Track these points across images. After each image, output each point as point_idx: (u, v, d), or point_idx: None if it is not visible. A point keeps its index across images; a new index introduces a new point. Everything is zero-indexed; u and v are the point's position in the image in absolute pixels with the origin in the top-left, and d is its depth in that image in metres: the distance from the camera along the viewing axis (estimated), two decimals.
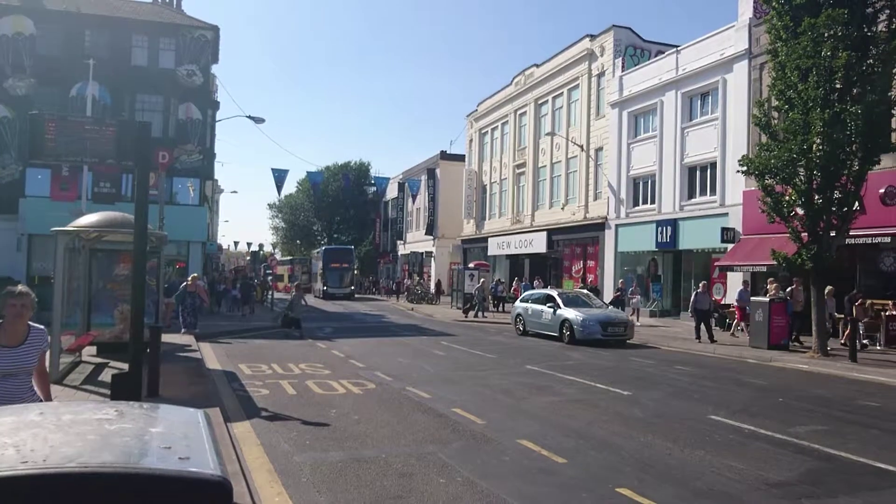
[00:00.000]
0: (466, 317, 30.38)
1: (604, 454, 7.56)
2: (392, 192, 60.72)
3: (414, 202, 55.54)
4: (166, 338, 16.64)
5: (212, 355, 15.99)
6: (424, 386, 11.88)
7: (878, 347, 18.01)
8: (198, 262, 32.12)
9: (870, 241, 19.42)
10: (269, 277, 43.87)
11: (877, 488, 6.46)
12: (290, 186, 79.24)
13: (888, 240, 19.03)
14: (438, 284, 49.15)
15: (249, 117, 29.24)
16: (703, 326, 19.65)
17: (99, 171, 29.13)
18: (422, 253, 57.90)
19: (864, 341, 18.01)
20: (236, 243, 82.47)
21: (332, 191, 68.58)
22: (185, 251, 31.76)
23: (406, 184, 54.68)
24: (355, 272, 57.91)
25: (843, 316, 18.40)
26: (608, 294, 29.81)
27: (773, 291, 18.72)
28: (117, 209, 16.50)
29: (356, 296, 52.35)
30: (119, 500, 2.28)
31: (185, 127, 32.81)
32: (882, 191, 18.76)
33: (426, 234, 54.69)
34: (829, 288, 17.43)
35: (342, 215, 71.95)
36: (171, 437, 2.76)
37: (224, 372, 13.38)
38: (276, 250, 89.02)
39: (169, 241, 19.61)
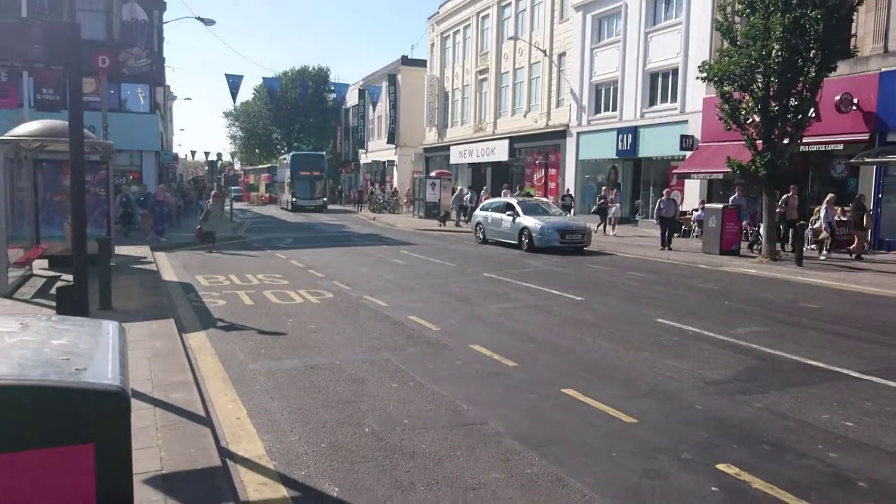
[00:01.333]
0: (443, 226, 30.20)
1: (553, 357, 7.81)
2: (353, 98, 59.29)
3: (375, 110, 54.35)
4: (121, 250, 16.47)
5: (168, 267, 15.86)
6: (382, 294, 12.00)
7: (825, 252, 18.59)
8: (152, 173, 31.30)
9: (823, 149, 19.75)
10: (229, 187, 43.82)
11: (805, 384, 6.81)
12: (246, 93, 76.88)
13: (841, 147, 19.36)
14: (395, 193, 48.27)
15: (199, 19, 27.91)
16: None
17: (41, 77, 27.70)
18: (384, 162, 57.26)
19: (812, 247, 18.59)
20: (193, 153, 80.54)
21: (291, 98, 66.53)
22: (139, 161, 30.86)
23: (367, 91, 53.32)
24: (328, 181, 54.80)
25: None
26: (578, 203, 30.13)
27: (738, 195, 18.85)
28: (63, 117, 15.85)
29: (329, 207, 48.66)
30: (10, 412, 2.27)
31: (130, 29, 31.14)
32: (837, 98, 18.90)
33: (388, 142, 53.92)
34: (830, 196, 18.16)
35: (302, 123, 70.18)
36: (73, 349, 2.74)
37: (181, 283, 13.30)
38: (235, 160, 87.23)
39: (119, 151, 19.08)
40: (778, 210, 17.82)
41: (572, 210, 26.84)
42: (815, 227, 18.73)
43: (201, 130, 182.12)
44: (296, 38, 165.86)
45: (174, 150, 64.07)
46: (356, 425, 5.55)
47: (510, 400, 6.29)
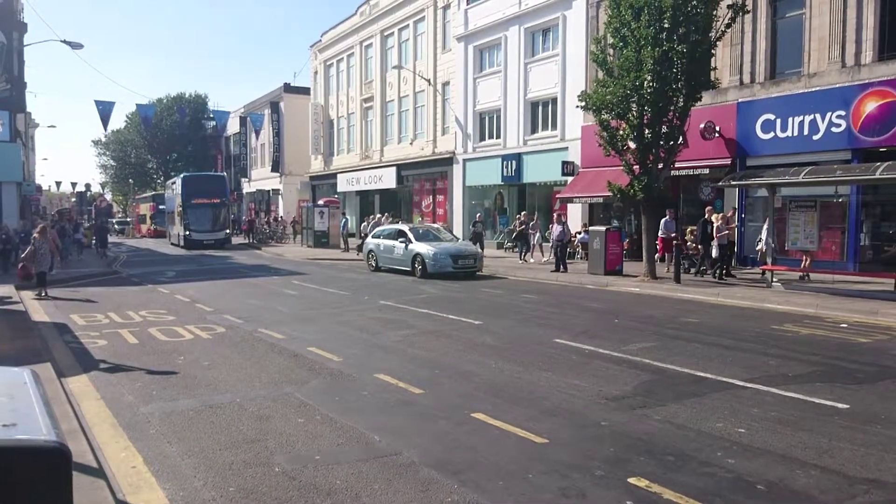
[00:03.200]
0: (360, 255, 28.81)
1: (459, 382, 7.82)
2: (233, 126, 57.77)
3: (258, 137, 53.11)
4: None
5: (37, 306, 14.68)
6: (278, 326, 11.64)
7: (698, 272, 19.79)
8: (13, 205, 29.01)
9: (692, 173, 21.16)
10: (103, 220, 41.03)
11: (698, 394, 7.19)
12: (118, 121, 73.15)
13: (707, 171, 20.81)
14: (282, 222, 46.83)
15: (65, 42, 26.36)
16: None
17: None
18: (268, 190, 55.98)
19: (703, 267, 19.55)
20: (58, 184, 75.51)
21: (167, 125, 63.98)
22: None
23: (248, 118, 52.10)
24: (246, 208, 48.12)
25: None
26: (458, 230, 30.61)
27: (720, 221, 17.99)
28: None
29: (248, 243, 41.13)
30: None
31: None
32: (702, 125, 20.33)
33: (272, 170, 52.82)
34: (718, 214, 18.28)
35: (179, 152, 67.54)
36: None
37: (54, 324, 12.34)
38: (106, 190, 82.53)
39: None
40: (725, 233, 17.92)
41: (482, 235, 26.81)
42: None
43: (68, 160, 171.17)
44: (171, 65, 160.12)
45: (37, 181, 59.79)
46: (265, 465, 5.30)
47: (421, 428, 6.23)
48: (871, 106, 17.21)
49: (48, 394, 6.53)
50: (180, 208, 37.93)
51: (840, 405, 6.71)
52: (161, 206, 50.80)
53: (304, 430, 6.13)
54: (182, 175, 40.92)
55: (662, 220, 19.49)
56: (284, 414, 6.64)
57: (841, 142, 17.84)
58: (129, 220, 64.25)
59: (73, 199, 58.83)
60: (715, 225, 17.76)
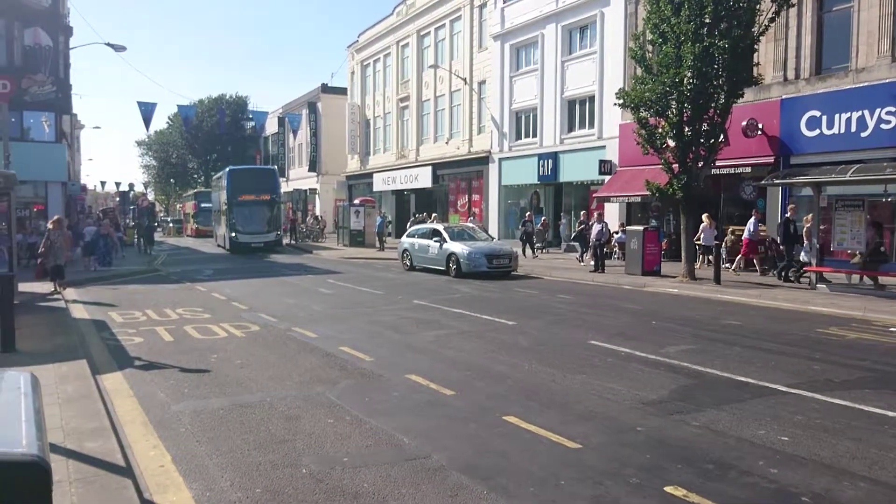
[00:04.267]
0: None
1: (490, 384, 7.69)
2: (272, 127, 58.39)
3: (295, 137, 53.61)
4: (25, 287, 15.45)
5: (78, 303, 14.95)
6: (311, 325, 11.64)
7: (739, 270, 19.33)
8: (58, 204, 29.70)
9: (733, 171, 20.64)
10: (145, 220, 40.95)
11: (739, 400, 6.93)
12: (160, 122, 74.58)
13: (749, 169, 20.28)
14: (319, 220, 46.83)
15: (109, 45, 26.90)
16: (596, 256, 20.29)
17: None
18: (306, 190, 56.46)
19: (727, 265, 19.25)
20: (103, 183, 77.38)
21: (207, 126, 65.00)
22: (44, 192, 29.23)
23: (286, 118, 52.53)
24: (285, 208, 41.22)
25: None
26: (493, 229, 30.46)
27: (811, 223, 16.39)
28: None
29: (286, 244, 37.18)
30: None
31: (33, 54, 29.68)
32: (744, 123, 19.81)
33: (309, 170, 53.26)
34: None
35: (219, 152, 68.53)
36: None
37: (93, 321, 12.52)
38: (149, 190, 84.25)
39: (22, 182, 18.03)
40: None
41: (534, 235, 26.51)
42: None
43: (111, 160, 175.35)
44: (212, 66, 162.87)
45: (82, 181, 61.28)
46: (292, 466, 5.24)
47: (451, 430, 6.11)
48: None
49: (76, 391, 6.59)
50: (226, 206, 33.63)
51: (891, 413, 6.39)
52: (205, 205, 48.72)
53: (333, 431, 6.06)
54: (228, 169, 35.89)
55: (750, 221, 18.81)
56: (314, 414, 6.58)
57: (891, 139, 17.21)
58: (169, 219, 65.31)
59: (117, 199, 60.03)
60: (806, 226, 16.47)
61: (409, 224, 32.43)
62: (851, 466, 5.13)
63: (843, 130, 18.20)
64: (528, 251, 25.44)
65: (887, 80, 17.31)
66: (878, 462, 5.21)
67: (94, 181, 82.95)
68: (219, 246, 36.85)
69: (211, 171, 68.32)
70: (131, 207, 46.68)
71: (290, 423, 6.31)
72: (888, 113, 17.20)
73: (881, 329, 10.99)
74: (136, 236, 35.31)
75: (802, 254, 16.78)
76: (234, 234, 32.62)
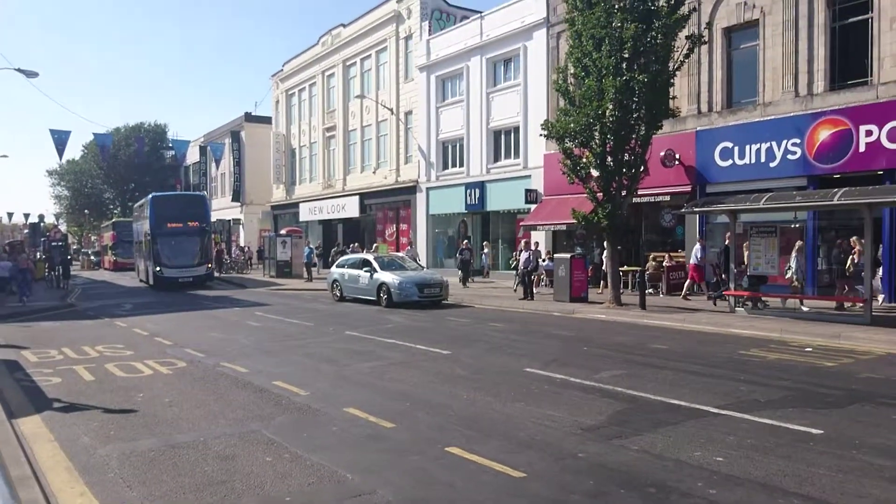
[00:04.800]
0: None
1: (430, 415, 7.64)
2: (193, 156, 57.04)
3: (218, 167, 52.53)
4: None
5: None
6: (241, 360, 11.31)
7: (661, 295, 20.01)
8: None
9: (653, 200, 21.45)
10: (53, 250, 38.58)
11: (673, 422, 7.12)
12: (73, 151, 71.62)
13: (668, 198, 21.15)
14: (244, 251, 45.83)
15: (20, 70, 25.74)
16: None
17: None
18: (229, 220, 55.13)
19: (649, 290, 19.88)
20: (10, 215, 73.48)
21: (125, 155, 62.87)
22: None
23: (208, 147, 51.47)
24: (215, 239, 37.46)
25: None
26: (422, 258, 30.47)
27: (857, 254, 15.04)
28: None
29: (218, 276, 34.23)
30: None
31: None
32: (662, 154, 20.66)
33: (233, 200, 52.17)
34: (799, 243, 16.14)
35: (137, 182, 66.29)
36: None
37: (3, 361, 11.77)
38: (61, 221, 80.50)
39: None
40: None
41: (470, 263, 26.54)
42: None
43: (20, 190, 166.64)
44: (129, 94, 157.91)
45: None
46: None
47: (395, 464, 6.02)
48: (824, 134, 17.72)
49: None
50: (149, 236, 30.21)
51: (814, 431, 6.70)
52: (124, 236, 45.09)
53: (272, 470, 5.87)
54: (152, 195, 32.35)
55: (695, 247, 18.86)
56: (251, 452, 6.37)
57: (797, 169, 18.30)
58: (90, 251, 62.37)
59: (26, 231, 57.02)
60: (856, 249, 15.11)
61: (332, 255, 32.26)
62: (784, 484, 5.34)
63: (753, 160, 19.24)
64: (461, 278, 25.53)
65: (792, 114, 18.46)
66: (807, 479, 5.44)
67: (1, 213, 78.49)
68: (141, 281, 33.81)
69: (128, 202, 65.97)
70: (42, 240, 44.16)
71: (227, 463, 6.07)
72: (794, 144, 18.31)
73: (798, 349, 11.55)
74: (46, 270, 33.56)
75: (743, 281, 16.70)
76: (158, 269, 29.44)
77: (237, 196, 51.56)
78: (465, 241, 28.19)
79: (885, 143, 16.61)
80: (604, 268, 20.42)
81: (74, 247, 67.51)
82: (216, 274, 36.54)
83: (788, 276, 15.94)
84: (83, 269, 54.45)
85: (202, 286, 29.58)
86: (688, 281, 19.17)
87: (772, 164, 18.82)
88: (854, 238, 15.35)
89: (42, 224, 57.93)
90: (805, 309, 15.34)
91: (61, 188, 75.89)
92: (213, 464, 6.07)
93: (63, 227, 80.00)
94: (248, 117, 51.69)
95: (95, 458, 6.29)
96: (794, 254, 16.00)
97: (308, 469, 5.88)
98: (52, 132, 32.21)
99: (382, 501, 5.13)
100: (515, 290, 22.39)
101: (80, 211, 75.08)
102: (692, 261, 19.04)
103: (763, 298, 16.26)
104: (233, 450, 6.46)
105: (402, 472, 5.79)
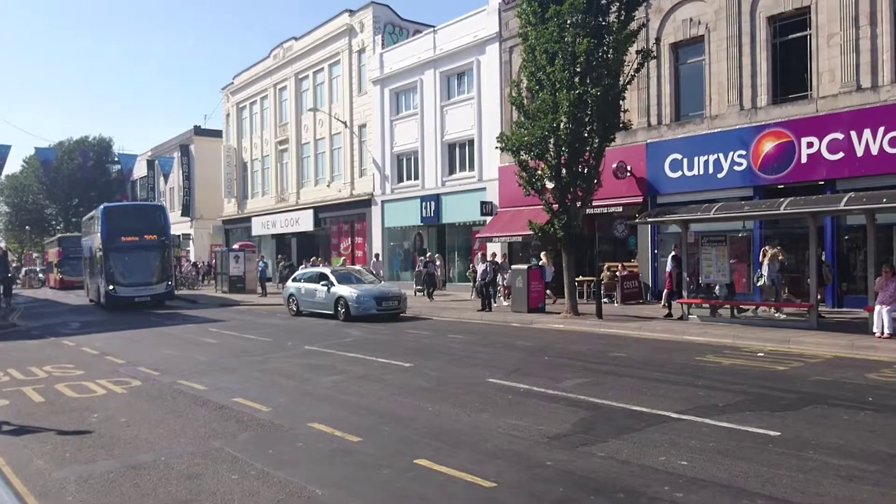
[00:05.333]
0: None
1: (396, 428, 7.60)
2: (140, 170, 55.80)
3: (167, 181, 51.44)
4: None
5: None
6: (198, 377, 11.07)
7: (615, 304, 20.35)
8: None
9: (606, 211, 21.84)
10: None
11: (636, 429, 7.25)
12: (14, 165, 69.31)
13: (620, 209, 21.55)
14: (195, 266, 44.89)
15: None
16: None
17: None
18: (179, 235, 53.98)
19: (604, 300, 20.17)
20: None
21: (68, 170, 61.12)
22: None
23: (156, 161, 50.45)
24: (176, 253, 34.89)
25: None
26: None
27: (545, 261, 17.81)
28: None
29: (178, 294, 31.32)
30: None
31: None
32: (614, 165, 21.08)
33: (182, 214, 51.10)
34: (773, 251, 16.14)
35: (81, 197, 64.47)
36: None
37: None
38: (0, 238, 77.68)
39: None
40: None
41: (435, 276, 26.16)
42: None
43: None
44: (73, 108, 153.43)
45: None
46: None
47: (364, 478, 5.97)
48: (768, 146, 18.35)
49: None
50: (101, 252, 27.45)
51: (772, 433, 6.90)
52: (71, 252, 42.22)
53: (239, 488, 5.76)
54: (103, 206, 29.46)
55: (670, 256, 18.09)
56: (216, 471, 6.23)
57: (743, 179, 18.89)
58: (38, 269, 60.11)
59: None
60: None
61: (277, 268, 31.90)
62: (748, 485, 5.48)
63: (702, 172, 19.79)
64: (428, 293, 25.05)
65: (737, 127, 19.07)
66: (769, 479, 5.60)
67: None
68: (91, 301, 31.10)
69: (72, 218, 64.05)
70: None
71: (192, 482, 5.94)
72: (740, 156, 18.90)
73: (751, 354, 11.88)
74: None
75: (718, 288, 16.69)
76: (111, 287, 26.65)
77: (187, 210, 50.58)
78: (431, 253, 27.86)
79: (826, 155, 17.29)
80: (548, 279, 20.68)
81: (14, 264, 65.10)
82: None
83: (760, 283, 16.26)
84: (24, 287, 52.39)
85: (160, 305, 27.43)
86: (665, 290, 18.50)
87: (719, 175, 19.39)
88: (766, 247, 16.34)
89: None
90: (781, 316, 15.61)
91: (0, 204, 73.29)
92: (177, 484, 5.92)
93: (2, 244, 77.27)
94: (198, 130, 50.85)
95: (51, 482, 6.08)
96: (765, 262, 16.03)
97: (276, 486, 5.79)
98: None
99: None
100: (472, 298, 22.48)
101: (21, 227, 72.61)
102: (668, 270, 18.26)
103: (714, 306, 16.65)
104: (196, 469, 6.32)
105: (372, 486, 5.75)
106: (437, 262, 27.04)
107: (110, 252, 26.99)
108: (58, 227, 66.05)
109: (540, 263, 20.81)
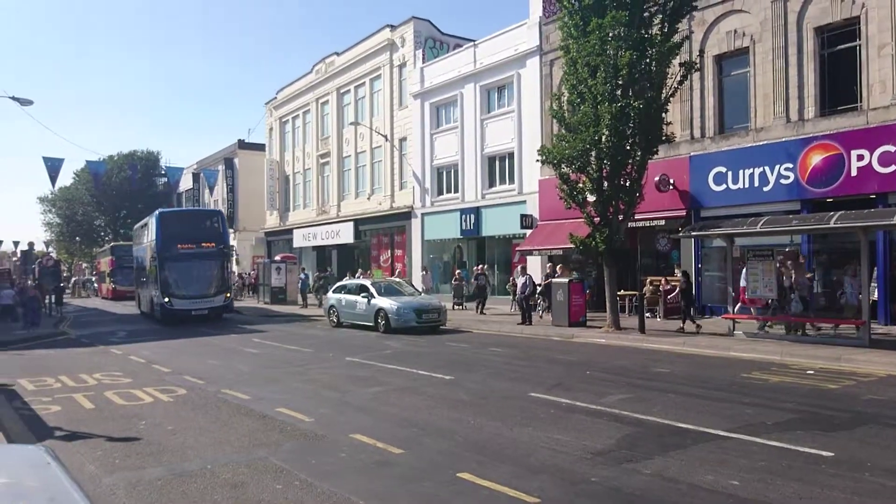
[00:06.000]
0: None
1: (439, 440, 7.59)
2: (186, 183, 57.03)
3: (212, 194, 52.34)
4: None
5: None
6: (242, 387, 11.22)
7: (658, 319, 20.05)
8: None
9: (648, 224, 21.58)
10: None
11: (682, 446, 7.10)
12: (66, 178, 71.51)
13: (663, 222, 21.28)
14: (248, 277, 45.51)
15: (14, 98, 25.78)
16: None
17: None
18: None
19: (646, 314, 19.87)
20: None
21: (117, 182, 62.83)
22: None
23: (202, 174, 51.50)
24: (234, 262, 33.09)
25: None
26: (417, 283, 30.40)
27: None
28: None
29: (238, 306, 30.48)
30: None
31: None
32: (657, 178, 20.83)
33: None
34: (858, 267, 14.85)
35: (129, 209, 66.13)
36: (25, 489, 2.12)
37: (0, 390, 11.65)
38: (51, 248, 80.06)
39: None
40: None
41: (486, 289, 25.62)
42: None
43: (10, 218, 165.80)
44: (122, 121, 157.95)
45: None
46: None
47: (407, 490, 5.97)
48: (816, 159, 17.93)
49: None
50: (154, 261, 26.12)
51: (824, 453, 6.70)
52: (125, 262, 40.50)
53: (283, 498, 5.81)
54: (158, 212, 28.19)
55: (744, 271, 16.52)
56: (260, 480, 6.30)
57: (790, 193, 18.48)
58: (87, 279, 61.94)
59: (15, 259, 56.59)
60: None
61: (314, 281, 32.19)
62: None
63: (747, 185, 19.41)
64: (478, 307, 24.47)
65: (784, 139, 18.69)
66: (822, 501, 5.43)
67: None
68: (143, 313, 30.01)
69: (119, 229, 65.66)
70: (33, 267, 43.57)
71: (237, 491, 6.01)
72: (786, 169, 18.50)
73: (800, 372, 11.57)
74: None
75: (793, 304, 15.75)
76: (166, 299, 25.03)
77: (231, 222, 51.44)
78: (483, 266, 26.96)
79: (877, 168, 16.82)
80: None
81: (65, 274, 67.02)
82: None
83: (843, 300, 15.69)
84: (74, 296, 53.88)
85: (220, 319, 25.83)
86: (738, 304, 17.14)
87: (765, 189, 19.00)
88: (789, 262, 15.84)
89: (32, 251, 57.60)
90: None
91: (52, 215, 75.65)
92: (222, 492, 6.00)
93: (53, 254, 79.67)
94: (242, 144, 51.88)
95: (102, 488, 6.21)
96: (847, 278, 15.16)
97: (320, 496, 5.82)
98: (46, 160, 32.10)
99: None
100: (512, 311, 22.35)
101: (72, 238, 74.80)
102: (742, 283, 16.77)
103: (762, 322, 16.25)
104: (241, 477, 6.39)
105: (415, 499, 5.74)
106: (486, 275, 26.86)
107: (166, 261, 25.45)
108: (106, 238, 67.83)
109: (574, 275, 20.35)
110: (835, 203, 17.42)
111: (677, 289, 19.27)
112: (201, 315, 25.00)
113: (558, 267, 21.82)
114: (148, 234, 28.71)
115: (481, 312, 24.13)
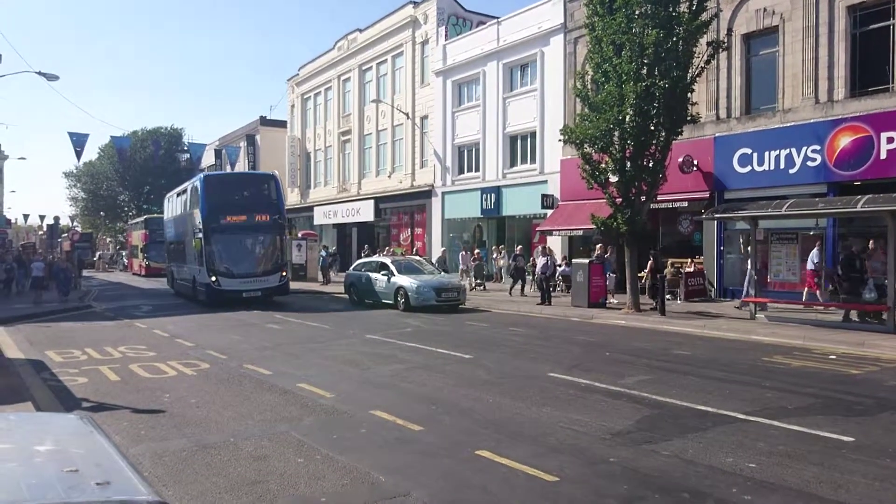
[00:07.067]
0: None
1: (458, 418, 7.65)
2: (208, 159, 57.26)
3: (233, 170, 52.70)
4: None
5: (10, 342, 14.23)
6: (264, 362, 11.37)
7: (679, 301, 19.92)
8: None
9: (671, 206, 21.37)
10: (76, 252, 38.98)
11: (701, 428, 7.10)
12: (90, 153, 72.29)
13: (685, 204, 21.06)
14: None
15: (40, 73, 26.02)
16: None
17: None
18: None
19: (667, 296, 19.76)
20: (26, 216, 74.26)
21: (141, 158, 63.41)
22: None
23: (224, 151, 51.76)
24: (287, 236, 27.64)
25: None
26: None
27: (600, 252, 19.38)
28: None
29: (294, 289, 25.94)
30: None
31: None
32: (680, 160, 20.57)
33: None
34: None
35: (152, 185, 66.80)
36: (71, 455, 2.19)
37: (29, 361, 11.91)
38: (76, 223, 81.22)
39: None
40: None
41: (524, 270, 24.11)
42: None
43: (36, 192, 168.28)
44: (147, 99, 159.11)
45: (5, 214, 58.58)
46: None
47: (427, 466, 6.05)
48: (844, 141, 17.61)
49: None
50: (199, 235, 22.53)
51: (846, 438, 6.66)
52: (160, 236, 35.75)
53: (305, 471, 5.91)
54: (203, 175, 24.89)
55: (813, 251, 16.20)
56: (282, 453, 6.41)
57: (817, 175, 18.19)
58: (100, 252, 62.86)
59: (41, 233, 57.47)
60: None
61: (322, 256, 32.34)
62: (820, 490, 5.32)
63: (772, 167, 19.13)
64: (519, 288, 23.37)
65: (812, 121, 18.36)
66: (843, 485, 5.42)
67: (16, 214, 79.11)
68: (178, 293, 26.74)
69: (143, 204, 66.30)
70: (59, 241, 44.20)
71: (259, 464, 6.12)
72: (814, 151, 18.20)
73: (822, 357, 11.47)
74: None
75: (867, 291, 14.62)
76: (213, 279, 21.69)
77: None
78: (522, 247, 25.37)
79: None
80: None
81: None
82: None
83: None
84: (98, 270, 54.52)
85: (272, 300, 22.70)
86: (805, 289, 16.35)
87: (791, 171, 18.71)
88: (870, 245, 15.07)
89: (58, 225, 58.47)
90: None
91: (77, 190, 76.61)
92: (245, 464, 6.11)
93: (78, 228, 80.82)
94: (264, 121, 52.01)
95: (128, 457, 6.33)
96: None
97: (341, 470, 5.91)
98: (71, 135, 32.34)
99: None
100: (511, 294, 22.27)
101: (96, 212, 75.75)
102: (809, 266, 16.21)
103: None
104: (264, 451, 6.50)
105: (434, 475, 5.81)
106: (494, 255, 26.65)
107: (212, 235, 21.89)
108: (129, 213, 68.64)
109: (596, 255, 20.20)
110: (862, 186, 17.10)
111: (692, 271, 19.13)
112: (254, 297, 21.98)
113: (606, 246, 21.01)
114: (188, 202, 25.08)
115: (522, 294, 23.01)
